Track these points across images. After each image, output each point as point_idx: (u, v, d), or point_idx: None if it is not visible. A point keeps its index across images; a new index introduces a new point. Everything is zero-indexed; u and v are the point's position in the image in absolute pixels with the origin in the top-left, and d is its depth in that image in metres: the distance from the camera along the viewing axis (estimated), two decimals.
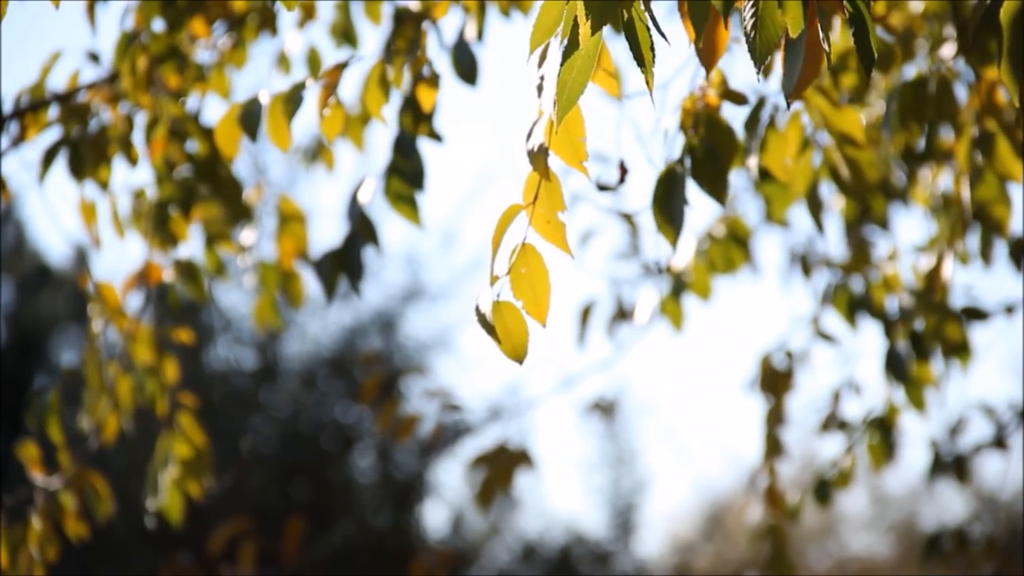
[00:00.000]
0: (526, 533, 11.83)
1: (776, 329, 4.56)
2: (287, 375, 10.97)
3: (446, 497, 11.40)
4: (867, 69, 1.58)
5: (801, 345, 3.90)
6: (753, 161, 2.33)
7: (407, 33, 2.61)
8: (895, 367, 3.42)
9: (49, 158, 3.01)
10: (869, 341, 4.45)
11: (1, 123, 3.00)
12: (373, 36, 11.23)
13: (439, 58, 2.65)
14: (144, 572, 9.09)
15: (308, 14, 3.27)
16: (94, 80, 3.07)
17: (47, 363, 11.18)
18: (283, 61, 3.33)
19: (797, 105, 2.30)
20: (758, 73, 1.57)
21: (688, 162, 2.15)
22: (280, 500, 10.37)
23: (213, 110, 7.77)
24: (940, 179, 3.21)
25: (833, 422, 3.94)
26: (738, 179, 3.85)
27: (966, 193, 2.55)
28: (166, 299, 3.24)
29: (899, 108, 2.53)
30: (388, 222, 9.52)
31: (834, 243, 3.95)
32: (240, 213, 3.15)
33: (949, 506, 12.31)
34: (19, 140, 3.05)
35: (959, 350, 3.37)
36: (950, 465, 4.28)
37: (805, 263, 4.10)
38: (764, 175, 2.63)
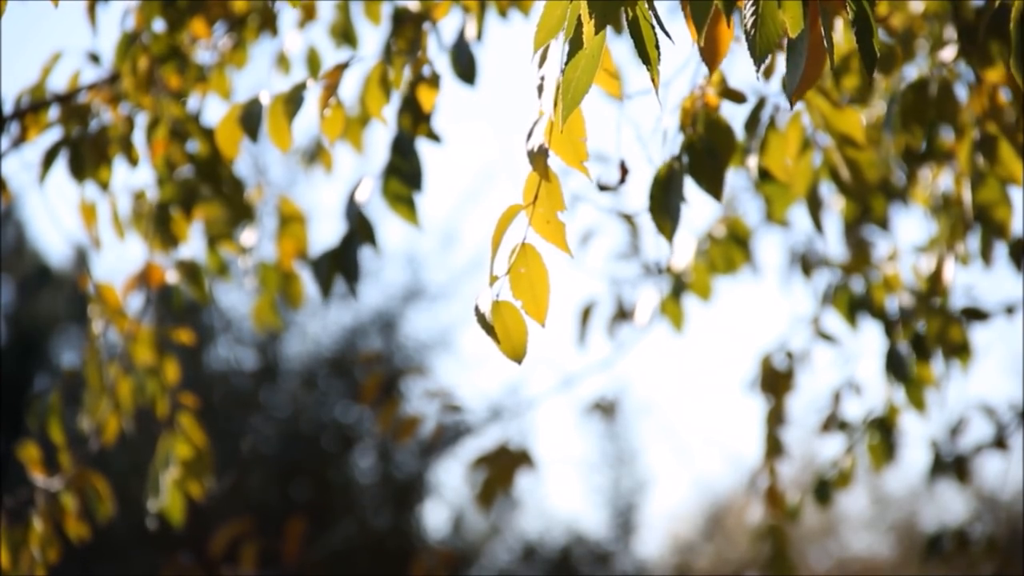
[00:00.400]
0: (526, 533, 11.83)
1: (776, 329, 4.56)
2: (287, 375, 10.97)
3: (446, 497, 11.41)
4: (869, 70, 1.58)
5: (801, 345, 3.90)
6: (753, 161, 2.33)
7: (407, 34, 2.62)
8: (895, 367, 3.42)
9: (49, 159, 3.01)
10: (869, 341, 4.45)
11: (2, 123, 3.00)
12: (373, 36, 11.24)
13: (438, 58, 2.65)
14: (145, 573, 9.09)
15: (308, 14, 3.27)
16: (95, 81, 3.07)
17: (47, 364, 11.17)
18: (283, 61, 3.33)
19: (798, 105, 2.30)
20: (758, 72, 1.57)
21: (686, 159, 2.16)
22: (280, 500, 10.37)
23: (214, 111, 7.77)
24: (940, 179, 3.21)
25: (833, 422, 3.95)
26: (738, 179, 3.85)
27: (967, 195, 2.55)
28: (169, 301, 3.24)
29: (901, 109, 2.53)
30: (388, 222, 9.52)
31: (834, 243, 3.95)
32: (241, 214, 3.15)
33: (949, 506, 12.31)
34: (20, 140, 3.05)
35: (959, 350, 3.37)
36: (950, 465, 4.28)
37: (805, 263, 4.10)
38: (764, 175, 2.63)
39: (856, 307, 3.62)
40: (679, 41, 1.62)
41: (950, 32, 2.67)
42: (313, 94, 2.53)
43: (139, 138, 3.03)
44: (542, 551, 11.77)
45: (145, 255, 3.20)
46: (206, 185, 3.05)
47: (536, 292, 1.73)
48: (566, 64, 1.59)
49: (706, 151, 2.15)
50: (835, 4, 1.59)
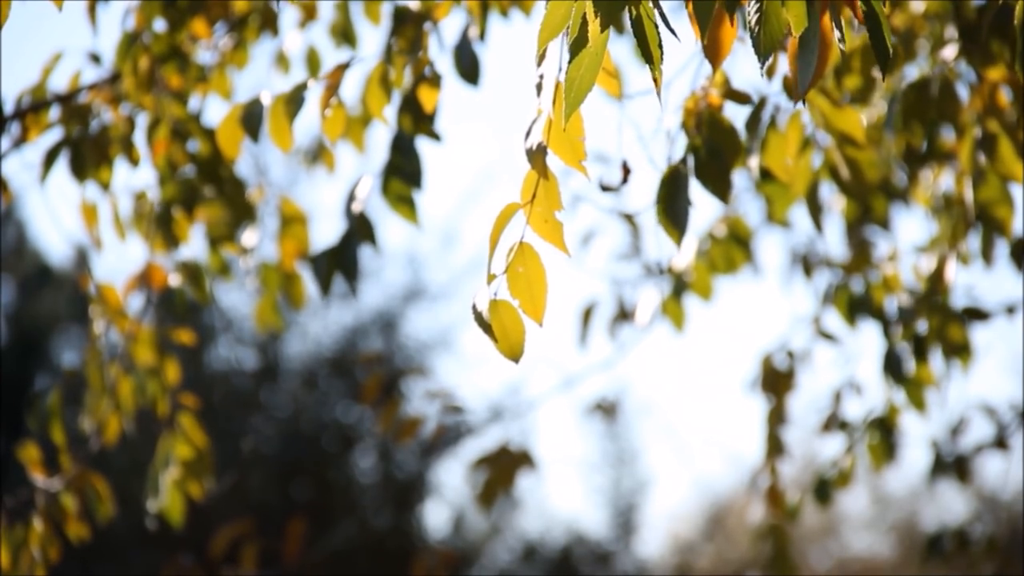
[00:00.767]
0: (527, 533, 11.83)
1: (777, 329, 4.56)
2: (288, 375, 10.97)
3: (447, 497, 11.41)
4: (882, 67, 1.58)
5: (802, 345, 3.90)
6: (754, 161, 2.33)
7: (407, 33, 2.61)
8: (895, 367, 3.42)
9: (50, 159, 3.01)
10: (870, 341, 4.45)
11: (2, 124, 3.00)
12: (373, 36, 11.24)
13: (439, 58, 2.65)
14: (145, 573, 9.09)
15: (309, 14, 3.27)
16: (95, 81, 3.07)
17: (48, 364, 11.18)
18: (283, 61, 3.33)
19: (798, 105, 2.30)
20: (762, 69, 1.57)
21: (691, 162, 2.16)
22: (281, 500, 10.37)
23: (215, 110, 7.77)
24: (941, 179, 3.21)
25: (834, 422, 3.94)
26: (739, 179, 3.85)
27: (969, 194, 2.55)
28: (170, 301, 3.24)
29: (902, 109, 2.53)
30: (389, 222, 9.52)
31: (835, 243, 3.95)
32: (242, 214, 3.15)
33: (950, 506, 12.31)
34: (20, 141, 3.05)
35: (960, 350, 3.37)
36: (951, 465, 4.27)
37: (806, 263, 4.10)
38: (765, 175, 2.63)
39: (856, 307, 3.62)
40: (679, 42, 1.61)
41: (951, 32, 2.67)
42: (314, 94, 2.53)
43: (140, 138, 3.03)
44: (543, 551, 11.77)
45: (146, 255, 3.20)
46: (207, 185, 3.05)
47: (534, 291, 1.72)
48: (569, 63, 1.59)
49: (711, 153, 2.15)
50: (840, 2, 1.59)
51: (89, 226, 3.17)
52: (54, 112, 3.05)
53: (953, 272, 2.93)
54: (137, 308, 3.29)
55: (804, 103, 1.62)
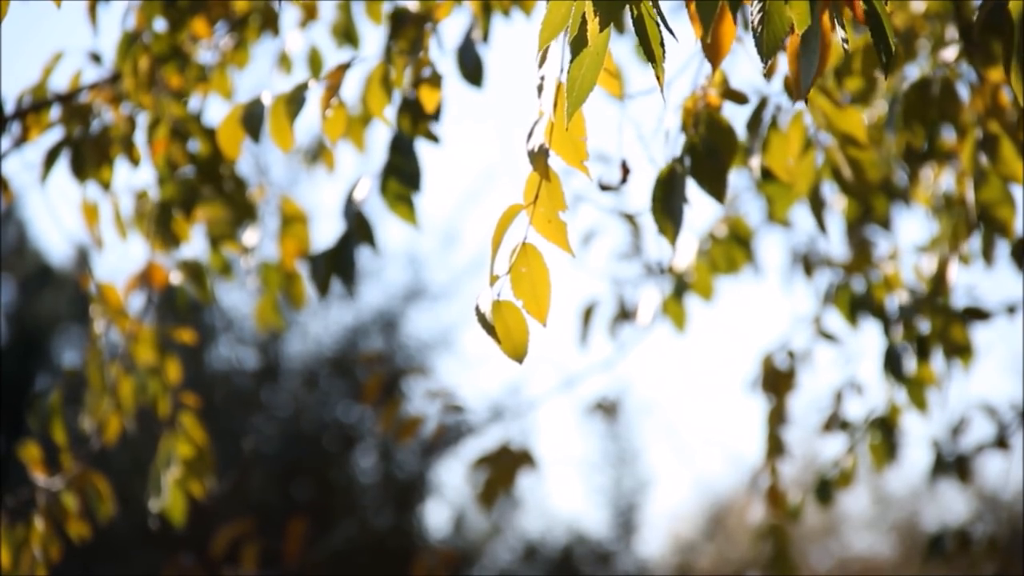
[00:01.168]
0: (528, 533, 11.83)
1: (778, 329, 4.56)
2: (289, 375, 10.98)
3: (448, 497, 11.41)
4: (885, 66, 1.58)
5: (803, 345, 3.90)
6: (755, 161, 2.33)
7: (408, 34, 2.61)
8: (896, 367, 3.41)
9: (51, 158, 3.01)
10: (870, 341, 4.45)
11: (3, 123, 3.00)
12: (374, 36, 11.24)
13: (440, 59, 2.65)
14: (146, 572, 9.09)
15: (310, 14, 3.27)
16: (96, 80, 3.07)
17: (49, 363, 11.18)
18: (284, 61, 3.33)
19: (800, 105, 2.30)
20: (764, 68, 1.57)
21: (688, 161, 2.16)
22: (282, 500, 10.37)
23: (215, 110, 7.77)
24: (942, 179, 3.21)
25: (835, 422, 3.94)
26: (740, 179, 3.85)
27: (970, 195, 2.55)
28: (171, 300, 3.24)
29: (902, 109, 2.53)
30: (390, 222, 9.53)
31: (836, 243, 3.95)
32: (243, 213, 3.15)
33: (951, 506, 12.31)
34: (21, 140, 3.05)
35: (961, 350, 3.37)
36: (952, 465, 4.27)
37: (807, 263, 4.10)
38: (766, 175, 2.63)
39: (857, 307, 3.62)
40: (680, 42, 1.61)
41: (952, 32, 2.67)
42: (315, 94, 2.53)
43: (140, 138, 3.03)
44: (543, 551, 11.77)
45: (147, 255, 3.20)
46: (207, 185, 3.05)
47: (537, 292, 1.72)
48: (571, 63, 1.59)
49: (708, 152, 2.15)
50: (842, 2, 1.58)
51: (90, 226, 3.17)
52: (55, 112, 3.05)
53: (954, 272, 2.93)
54: (138, 308, 3.29)
55: (806, 103, 1.62)
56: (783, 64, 2.38)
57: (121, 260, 11.31)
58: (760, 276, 4.01)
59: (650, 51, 1.59)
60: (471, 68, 2.71)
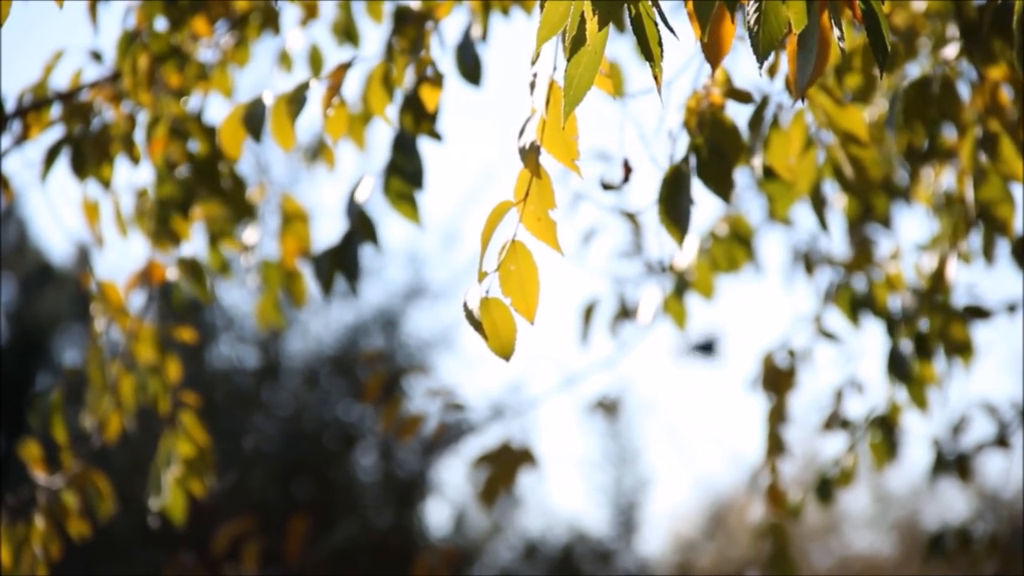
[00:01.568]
0: (528, 531, 11.84)
1: (778, 328, 4.56)
2: (289, 373, 10.98)
3: (448, 496, 11.42)
4: (881, 65, 1.58)
5: (803, 344, 3.89)
6: (757, 160, 2.33)
7: (409, 33, 2.61)
8: (897, 366, 3.41)
9: (51, 157, 3.01)
10: (871, 340, 4.45)
11: (4, 122, 3.00)
12: (375, 35, 11.24)
13: (441, 58, 2.65)
14: (147, 571, 9.09)
15: (310, 13, 3.26)
16: (97, 79, 3.07)
17: (49, 362, 11.18)
18: (285, 60, 3.33)
19: (801, 104, 2.30)
20: (760, 69, 1.57)
21: (693, 161, 2.15)
22: (282, 499, 10.37)
23: (216, 109, 7.76)
24: (943, 178, 3.21)
25: (835, 421, 3.94)
26: (741, 177, 3.85)
27: (969, 193, 2.55)
28: (171, 298, 3.24)
29: (903, 107, 2.53)
30: (390, 220, 9.52)
31: (837, 242, 3.95)
32: (243, 212, 3.15)
33: (951, 505, 12.31)
34: (22, 139, 3.05)
35: (961, 349, 3.37)
36: (952, 464, 4.27)
37: (808, 261, 4.10)
38: (767, 173, 2.62)
39: (858, 305, 3.62)
40: (681, 40, 1.61)
41: (952, 30, 2.67)
42: (316, 93, 2.53)
43: (140, 136, 3.03)
44: (544, 549, 11.78)
45: (147, 253, 3.20)
46: (205, 184, 3.05)
47: (525, 289, 1.72)
48: (568, 61, 1.59)
49: (713, 152, 2.15)
50: (840, 2, 1.59)
51: (90, 224, 3.17)
52: (55, 110, 3.05)
53: (954, 271, 2.93)
54: (138, 306, 3.29)
55: (804, 101, 1.62)
56: (785, 62, 2.38)
57: (122, 258, 11.32)
58: (761, 275, 4.01)
59: (648, 50, 1.59)
60: (470, 66, 2.71)
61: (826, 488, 4.00)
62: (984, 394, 4.42)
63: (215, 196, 3.08)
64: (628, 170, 2.28)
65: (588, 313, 4.10)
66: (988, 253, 2.89)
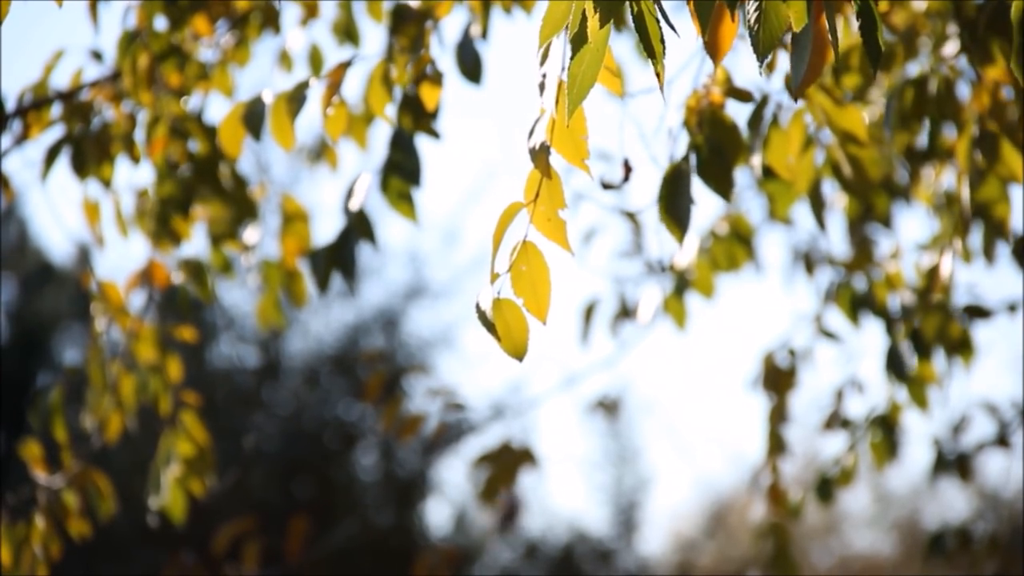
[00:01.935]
0: (529, 531, 11.83)
1: (779, 327, 4.56)
2: (290, 373, 10.98)
3: (449, 495, 11.42)
4: (873, 64, 1.58)
5: (804, 343, 3.90)
6: (756, 159, 2.33)
7: (409, 32, 2.61)
8: (897, 365, 3.41)
9: (52, 156, 3.01)
10: (872, 339, 4.46)
11: (4, 121, 3.00)
12: (375, 34, 11.23)
13: (441, 56, 2.65)
14: (147, 571, 9.09)
15: (310, 12, 3.27)
16: (97, 78, 3.07)
17: (50, 361, 11.18)
18: (285, 59, 3.33)
19: (800, 103, 2.30)
20: (760, 68, 1.57)
21: (693, 160, 2.16)
22: (283, 498, 10.37)
23: (216, 108, 7.76)
24: (943, 177, 3.21)
25: (836, 420, 3.94)
26: (742, 177, 3.85)
27: (966, 193, 2.55)
28: (173, 299, 3.24)
29: (900, 107, 2.53)
30: (391, 220, 9.52)
31: (837, 241, 3.95)
32: (244, 211, 3.15)
33: (952, 504, 12.31)
34: (22, 138, 3.05)
35: (962, 348, 3.37)
36: (953, 463, 4.27)
37: (808, 261, 4.10)
38: (767, 173, 2.62)
39: (858, 305, 3.62)
40: (682, 39, 1.62)
41: (952, 29, 2.67)
42: (316, 92, 2.53)
43: (141, 136, 3.03)
44: (544, 549, 11.78)
45: (148, 253, 3.20)
46: (206, 183, 3.05)
47: (537, 290, 1.72)
48: (571, 60, 1.59)
49: (713, 150, 2.15)
50: (839, 1, 1.59)
51: (91, 223, 3.17)
52: (56, 110, 3.05)
53: (949, 270, 2.93)
54: (139, 306, 3.29)
55: (799, 100, 1.63)
56: (785, 62, 2.38)
57: (122, 258, 11.32)
58: (761, 274, 4.01)
59: (650, 48, 1.59)
60: (470, 65, 2.71)
61: (826, 487, 4.00)
62: (985, 393, 4.42)
63: (216, 195, 3.09)
64: (628, 169, 2.28)
65: (588, 313, 4.10)
66: (988, 253, 2.89)
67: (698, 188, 2.15)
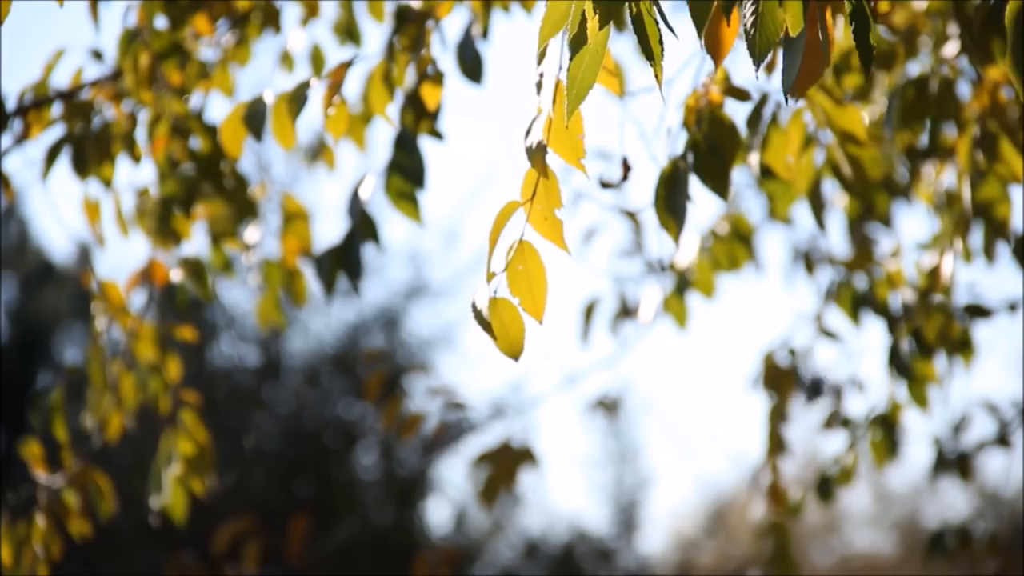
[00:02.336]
0: (529, 530, 11.83)
1: (779, 326, 4.56)
2: (290, 372, 10.98)
3: (449, 494, 11.41)
4: (866, 66, 1.58)
5: (804, 342, 3.90)
6: (755, 158, 2.33)
7: (410, 31, 2.62)
8: (898, 364, 3.41)
9: (52, 155, 3.01)
10: (872, 338, 4.46)
11: (4, 120, 3.00)
12: (376, 34, 11.23)
13: (442, 56, 2.65)
14: (148, 570, 9.10)
15: (311, 12, 3.27)
16: (97, 77, 3.07)
17: (50, 361, 11.18)
18: (286, 59, 3.33)
19: (799, 103, 2.30)
20: (757, 71, 1.57)
21: (691, 158, 2.16)
22: (283, 498, 10.37)
23: (217, 107, 7.77)
24: (943, 176, 3.21)
25: (836, 419, 3.94)
26: (741, 176, 3.85)
27: (966, 192, 2.55)
28: (174, 298, 3.24)
29: (901, 106, 2.53)
30: (391, 219, 9.52)
31: (837, 240, 3.95)
32: (244, 211, 3.15)
33: (952, 503, 12.31)
34: (23, 137, 3.05)
35: (962, 347, 3.37)
36: (953, 462, 4.28)
37: (808, 260, 4.10)
38: (767, 172, 2.63)
39: (859, 304, 3.62)
40: (682, 39, 1.62)
41: (953, 29, 2.67)
42: (317, 92, 2.53)
43: (141, 135, 3.03)
44: (545, 548, 11.77)
45: (148, 252, 3.20)
46: (207, 182, 3.05)
47: (534, 289, 1.72)
48: (570, 60, 1.59)
49: (711, 149, 2.15)
50: (836, 2, 1.59)
51: (91, 223, 3.17)
52: (56, 109, 3.05)
53: (950, 269, 2.93)
54: (139, 305, 3.29)
55: (793, 100, 1.63)
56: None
57: (122, 257, 11.33)
58: (762, 273, 4.01)
59: (648, 49, 1.60)
60: (470, 64, 2.71)
61: (827, 487, 4.00)
62: (985, 393, 4.42)
63: (217, 194, 3.09)
64: (627, 169, 2.29)
65: (589, 312, 4.10)
66: (989, 252, 2.89)
67: (696, 186, 2.15)
